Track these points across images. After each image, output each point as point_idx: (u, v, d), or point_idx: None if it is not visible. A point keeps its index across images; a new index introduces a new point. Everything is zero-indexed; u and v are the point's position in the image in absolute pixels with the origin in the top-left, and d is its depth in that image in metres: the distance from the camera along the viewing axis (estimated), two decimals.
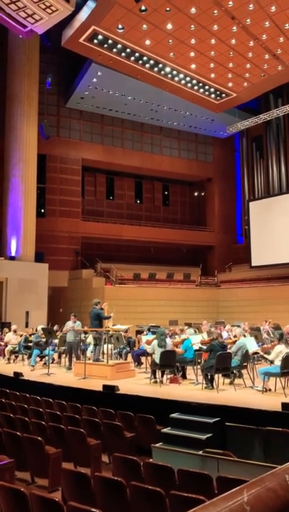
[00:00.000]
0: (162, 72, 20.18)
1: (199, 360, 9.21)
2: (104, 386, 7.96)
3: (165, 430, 6.10)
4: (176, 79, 20.70)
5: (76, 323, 11.51)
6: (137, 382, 8.98)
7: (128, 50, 18.52)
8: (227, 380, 8.57)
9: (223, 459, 4.45)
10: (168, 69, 19.97)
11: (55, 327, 13.85)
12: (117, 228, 26.14)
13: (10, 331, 14.24)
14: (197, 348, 9.10)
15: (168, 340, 9.08)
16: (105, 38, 17.83)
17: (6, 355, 13.24)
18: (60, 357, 12.57)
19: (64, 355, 12.50)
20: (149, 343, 9.73)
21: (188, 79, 20.81)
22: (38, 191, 22.40)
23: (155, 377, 8.89)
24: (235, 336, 10.08)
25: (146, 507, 3.27)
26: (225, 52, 18.70)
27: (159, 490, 3.21)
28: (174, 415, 6.45)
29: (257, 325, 13.49)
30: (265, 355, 8.49)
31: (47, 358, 11.15)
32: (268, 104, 25.66)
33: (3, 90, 21.58)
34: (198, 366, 9.00)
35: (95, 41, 17.92)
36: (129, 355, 11.78)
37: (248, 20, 16.64)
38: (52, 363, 11.73)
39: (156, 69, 19.91)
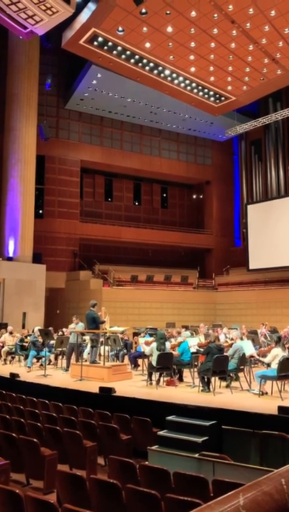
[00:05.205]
0: (162, 75, 20.22)
1: (196, 363, 9.21)
2: (101, 388, 7.94)
3: (161, 433, 6.09)
4: (176, 82, 20.75)
5: (78, 324, 11.52)
6: (134, 385, 8.97)
7: (128, 52, 18.57)
8: (224, 383, 8.58)
9: (219, 462, 4.45)
10: (167, 72, 20.02)
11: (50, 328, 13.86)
12: (116, 230, 26.14)
13: (6, 332, 14.19)
14: (194, 350, 9.10)
15: (167, 343, 9.07)
16: (105, 40, 17.86)
17: (2, 356, 13.20)
18: (56, 358, 12.55)
19: (61, 357, 12.49)
20: (148, 343, 9.72)
21: (187, 82, 20.87)
22: (36, 192, 22.39)
23: (152, 380, 8.88)
24: (232, 339, 10.10)
25: (142, 510, 3.26)
26: (224, 56, 18.76)
27: (155, 493, 3.20)
28: (170, 418, 6.44)
29: (254, 328, 13.51)
30: (261, 359, 8.49)
31: (43, 359, 11.13)
32: (267, 107, 25.75)
33: (3, 91, 21.58)
34: (195, 369, 9.00)
35: (95, 43, 17.96)
36: (126, 357, 11.77)
37: (248, 24, 16.70)
38: (48, 364, 11.71)
39: (155, 71, 19.95)
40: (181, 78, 20.58)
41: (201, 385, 8.07)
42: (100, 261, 24.78)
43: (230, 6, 15.77)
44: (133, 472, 4.06)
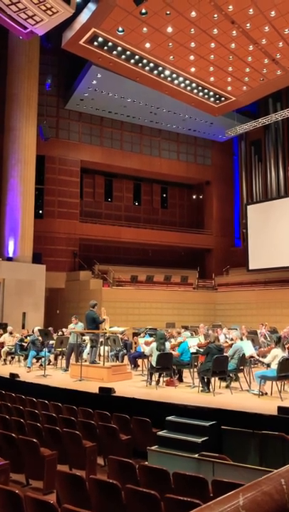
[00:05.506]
0: (162, 75, 20.23)
1: (196, 363, 9.21)
2: (101, 388, 7.94)
3: (161, 433, 6.08)
4: (176, 82, 20.75)
5: (78, 324, 11.51)
6: (134, 385, 8.97)
7: (128, 52, 18.57)
8: (223, 384, 8.57)
9: (219, 462, 4.45)
10: (167, 72, 20.02)
11: (50, 328, 13.87)
12: (115, 230, 26.15)
13: (6, 332, 14.18)
14: (194, 350, 9.10)
15: (167, 343, 9.07)
16: (105, 41, 17.87)
17: (2, 356, 13.20)
18: (56, 359, 12.55)
19: (61, 357, 12.48)
20: (147, 344, 9.72)
21: (187, 82, 20.87)
22: (36, 192, 22.39)
23: (152, 380, 8.88)
24: (232, 339, 10.10)
25: (142, 510, 3.26)
26: (224, 56, 18.77)
27: (155, 493, 3.20)
28: (170, 418, 6.44)
29: (254, 328, 13.51)
30: (261, 359, 8.49)
31: (43, 359, 11.13)
32: (267, 108, 25.75)
33: (3, 91, 21.58)
34: (195, 369, 9.00)
35: (95, 43, 17.96)
36: (126, 357, 11.76)
37: (248, 24, 16.70)
38: (48, 364, 11.71)
39: (155, 72, 19.95)
40: (181, 78, 20.59)
41: (200, 385, 8.07)
42: (100, 261, 24.77)
43: (231, 7, 15.77)
44: (133, 472, 4.06)
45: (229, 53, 18.53)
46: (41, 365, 11.17)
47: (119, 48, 18.31)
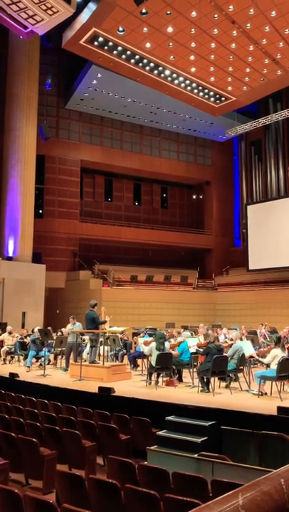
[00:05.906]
0: (162, 75, 20.23)
1: (195, 363, 9.21)
2: (100, 388, 7.94)
3: (160, 433, 6.08)
4: (176, 82, 20.75)
5: (76, 324, 11.51)
6: (133, 385, 8.96)
7: (128, 52, 18.57)
8: (223, 384, 8.57)
9: (219, 462, 4.45)
10: (168, 72, 20.02)
11: (49, 328, 13.86)
12: (115, 230, 26.15)
13: (5, 331, 14.18)
14: (194, 350, 9.10)
15: (166, 343, 9.07)
16: (106, 40, 17.87)
17: (1, 356, 13.20)
18: (56, 358, 12.55)
19: (60, 357, 12.48)
20: (147, 343, 9.72)
21: (187, 82, 20.87)
22: (36, 192, 22.39)
23: (151, 380, 8.88)
24: (231, 339, 10.10)
25: (141, 510, 3.26)
26: (225, 56, 18.77)
27: (154, 493, 3.20)
28: (169, 418, 6.44)
29: (253, 328, 13.51)
30: (261, 359, 8.49)
31: (43, 359, 11.13)
32: (267, 108, 25.75)
33: (3, 91, 21.58)
34: (195, 369, 9.00)
35: (96, 43, 17.96)
36: (126, 357, 11.76)
37: (248, 24, 16.71)
38: (48, 364, 11.71)
39: (156, 71, 19.95)
40: (181, 78, 20.59)
41: (200, 385, 8.07)
42: (100, 261, 24.78)
43: (231, 7, 15.77)
44: (132, 472, 4.06)
45: (229, 53, 18.53)
46: (41, 364, 11.18)
47: (120, 48, 18.31)
